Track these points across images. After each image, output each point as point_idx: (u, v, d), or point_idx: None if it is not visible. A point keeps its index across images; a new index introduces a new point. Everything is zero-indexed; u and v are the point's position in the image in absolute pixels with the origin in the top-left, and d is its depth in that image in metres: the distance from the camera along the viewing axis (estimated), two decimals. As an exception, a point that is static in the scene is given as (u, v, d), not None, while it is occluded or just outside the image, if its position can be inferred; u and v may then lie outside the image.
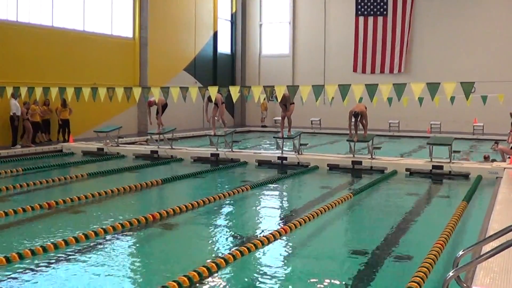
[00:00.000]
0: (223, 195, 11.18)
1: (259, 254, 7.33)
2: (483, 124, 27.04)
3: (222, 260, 6.63)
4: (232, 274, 6.66)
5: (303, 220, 8.82)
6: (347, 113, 16.75)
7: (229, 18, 34.90)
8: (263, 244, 7.50)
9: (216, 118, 19.62)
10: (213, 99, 18.40)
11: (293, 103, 17.57)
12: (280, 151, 17.39)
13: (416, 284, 5.69)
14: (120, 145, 19.53)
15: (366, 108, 16.92)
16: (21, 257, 6.81)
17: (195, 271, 6.16)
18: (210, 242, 8.35)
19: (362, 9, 32.30)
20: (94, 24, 24.32)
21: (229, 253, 6.96)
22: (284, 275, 6.70)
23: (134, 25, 26.68)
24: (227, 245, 8.02)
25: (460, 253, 5.08)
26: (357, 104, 16.58)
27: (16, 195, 11.51)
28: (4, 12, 20.25)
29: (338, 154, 17.52)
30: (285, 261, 7.31)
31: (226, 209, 10.83)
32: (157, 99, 19.70)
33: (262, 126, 32.33)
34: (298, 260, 7.39)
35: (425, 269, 6.12)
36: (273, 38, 35.33)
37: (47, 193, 11.75)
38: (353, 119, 16.71)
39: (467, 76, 21.18)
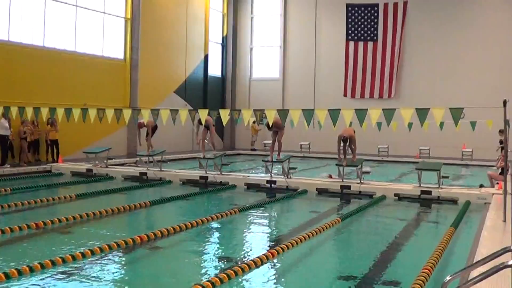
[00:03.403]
0: (212, 217, 11.14)
1: (247, 277, 7.29)
2: (472, 149, 27.20)
3: (209, 283, 6.59)
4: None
5: (291, 244, 8.79)
6: (337, 137, 16.82)
7: (220, 41, 35.14)
8: (250, 268, 7.47)
9: (206, 141, 19.63)
10: (203, 122, 18.47)
11: (283, 127, 17.62)
12: (269, 175, 17.40)
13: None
14: (109, 166, 19.48)
15: (354, 132, 17.01)
16: (7, 277, 6.75)
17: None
18: (197, 265, 8.31)
19: (353, 34, 32.62)
20: (86, 45, 24.39)
21: (216, 276, 6.92)
22: (271, 299, 6.67)
23: (125, 46, 26.77)
24: (214, 268, 7.98)
25: (448, 278, 5.08)
26: (345, 128, 16.67)
27: (4, 214, 11.41)
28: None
29: (326, 178, 17.53)
30: (273, 285, 7.28)
31: (214, 232, 10.79)
32: (147, 121, 19.72)
33: (252, 150, 32.34)
34: (285, 284, 7.36)
35: (413, 294, 6.11)
36: (263, 61, 35.58)
37: (35, 213, 11.65)
38: (342, 144, 16.77)
39: (456, 102, 21.32)
